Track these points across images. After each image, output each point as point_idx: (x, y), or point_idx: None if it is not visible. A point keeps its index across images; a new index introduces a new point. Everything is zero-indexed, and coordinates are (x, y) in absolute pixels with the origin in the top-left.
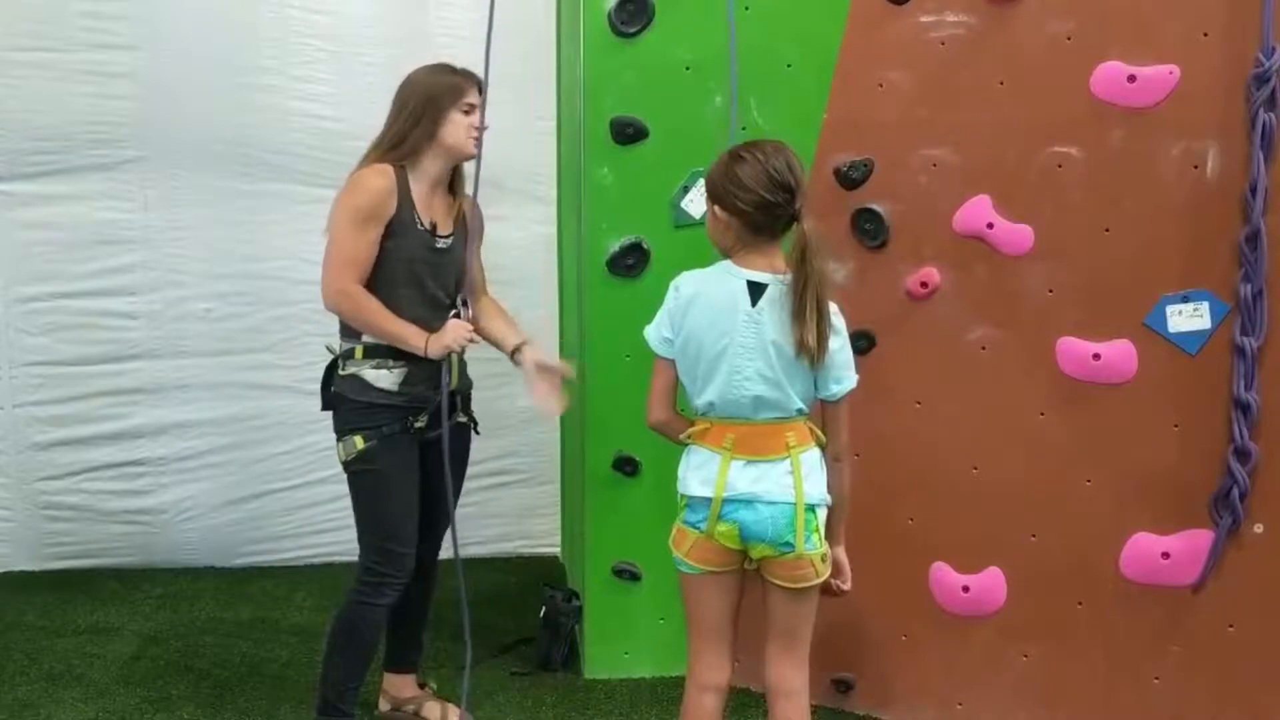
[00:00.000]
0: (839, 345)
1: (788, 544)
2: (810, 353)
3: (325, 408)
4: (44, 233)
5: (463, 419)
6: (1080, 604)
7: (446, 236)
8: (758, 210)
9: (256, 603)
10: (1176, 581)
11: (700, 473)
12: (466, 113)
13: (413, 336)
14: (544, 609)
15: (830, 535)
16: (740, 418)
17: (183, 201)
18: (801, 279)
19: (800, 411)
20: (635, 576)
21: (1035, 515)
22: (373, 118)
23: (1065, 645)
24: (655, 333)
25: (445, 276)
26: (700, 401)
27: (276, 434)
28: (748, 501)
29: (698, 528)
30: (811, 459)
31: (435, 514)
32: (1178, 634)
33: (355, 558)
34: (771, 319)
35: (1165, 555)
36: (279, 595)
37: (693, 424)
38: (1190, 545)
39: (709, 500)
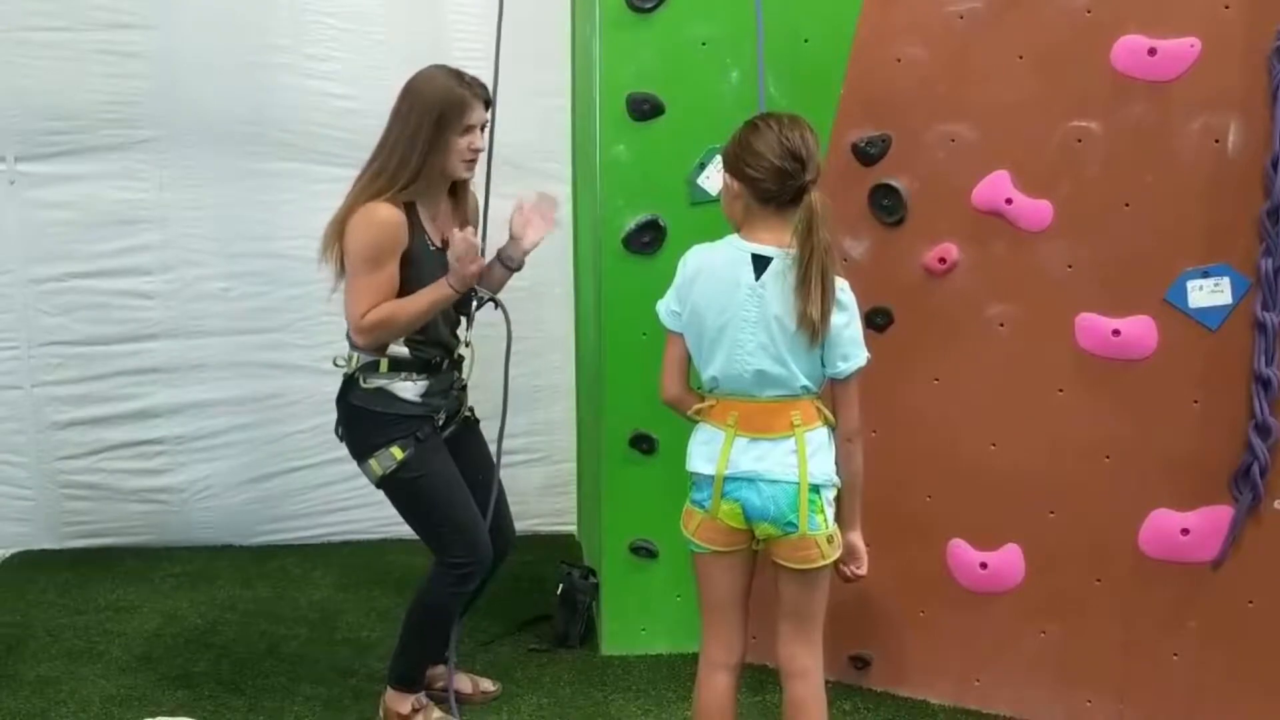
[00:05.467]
0: (845, 321)
1: (791, 524)
2: (812, 325)
3: (343, 423)
4: (60, 213)
5: (468, 414)
6: (1099, 580)
7: None
8: (768, 177)
9: (275, 581)
10: (1195, 558)
11: (705, 449)
12: (465, 134)
13: (440, 292)
14: (561, 586)
15: (844, 519)
16: (744, 394)
17: (198, 181)
18: (807, 251)
19: (806, 389)
20: (652, 554)
21: (1053, 492)
22: (387, 95)
23: (1083, 622)
24: (664, 307)
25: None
26: (705, 376)
27: (294, 413)
28: (750, 480)
29: (703, 506)
30: (818, 438)
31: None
32: (1196, 610)
33: (372, 535)
34: (775, 292)
35: (1185, 531)
36: (297, 574)
37: (703, 400)
38: (1210, 521)
39: (711, 478)
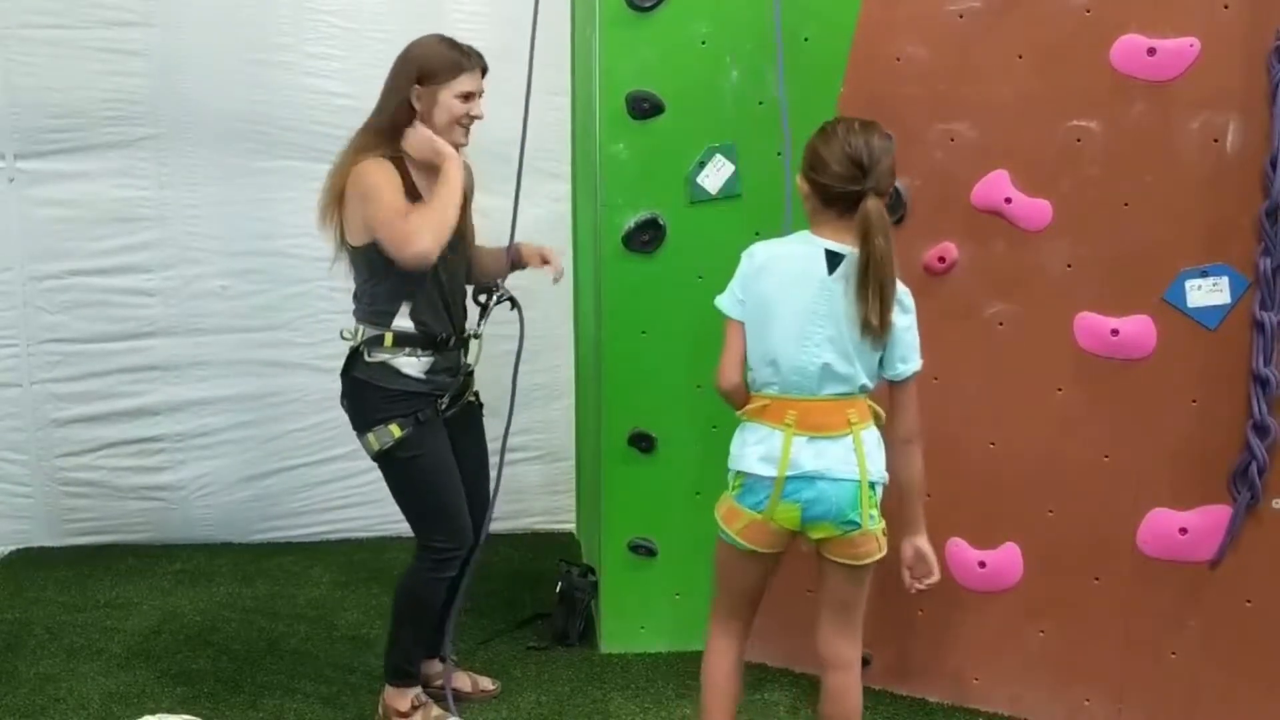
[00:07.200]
0: (907, 324)
1: (851, 522)
2: (873, 331)
3: (346, 395)
4: (60, 210)
5: (472, 399)
6: (1097, 579)
7: None
8: (829, 182)
9: (274, 578)
10: (1194, 557)
11: (760, 449)
12: (463, 99)
13: (451, 165)
14: (560, 584)
15: (911, 523)
16: (804, 391)
17: (198, 179)
18: (864, 257)
19: (864, 388)
20: (651, 552)
21: (1052, 491)
22: None
23: (1082, 621)
24: (728, 298)
25: (457, 257)
26: (764, 368)
27: (293, 410)
28: (810, 479)
29: (757, 509)
30: (872, 436)
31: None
32: (1195, 609)
33: (371, 533)
34: (845, 289)
35: (1183, 531)
36: (296, 571)
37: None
38: (1208, 521)
39: (770, 480)
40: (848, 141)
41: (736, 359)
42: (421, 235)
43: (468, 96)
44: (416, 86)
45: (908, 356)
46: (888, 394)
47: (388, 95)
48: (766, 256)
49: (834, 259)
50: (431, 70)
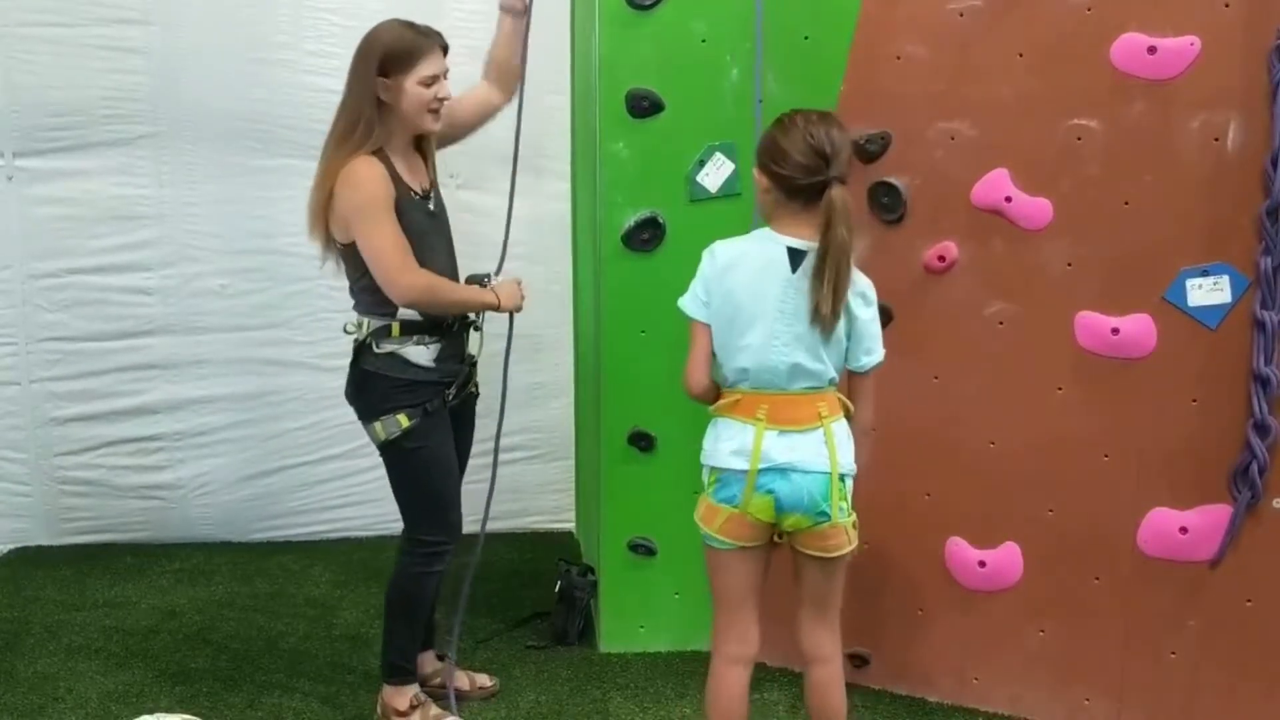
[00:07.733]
0: (871, 316)
1: (823, 513)
2: (822, 320)
3: (353, 385)
4: (59, 208)
5: (473, 389)
6: (1097, 579)
7: (431, 195)
8: (792, 173)
9: (273, 577)
10: (1194, 556)
11: (732, 444)
12: (427, 84)
13: (484, 297)
14: (559, 583)
15: None
16: (775, 387)
17: (198, 177)
18: (824, 246)
19: (832, 381)
20: (651, 551)
21: (1052, 490)
22: None
23: (1082, 620)
24: (691, 300)
25: (446, 237)
26: (733, 367)
27: (292, 409)
28: (783, 471)
29: (732, 503)
30: (842, 429)
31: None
32: (1195, 609)
33: (371, 533)
34: (811, 285)
35: (1183, 530)
36: (295, 570)
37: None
38: (1208, 520)
39: (743, 473)
40: (809, 132)
41: (703, 362)
42: (419, 280)
43: (432, 80)
44: (380, 79)
45: (872, 349)
46: (847, 384)
47: (352, 89)
48: (730, 255)
49: (796, 256)
50: (391, 61)
